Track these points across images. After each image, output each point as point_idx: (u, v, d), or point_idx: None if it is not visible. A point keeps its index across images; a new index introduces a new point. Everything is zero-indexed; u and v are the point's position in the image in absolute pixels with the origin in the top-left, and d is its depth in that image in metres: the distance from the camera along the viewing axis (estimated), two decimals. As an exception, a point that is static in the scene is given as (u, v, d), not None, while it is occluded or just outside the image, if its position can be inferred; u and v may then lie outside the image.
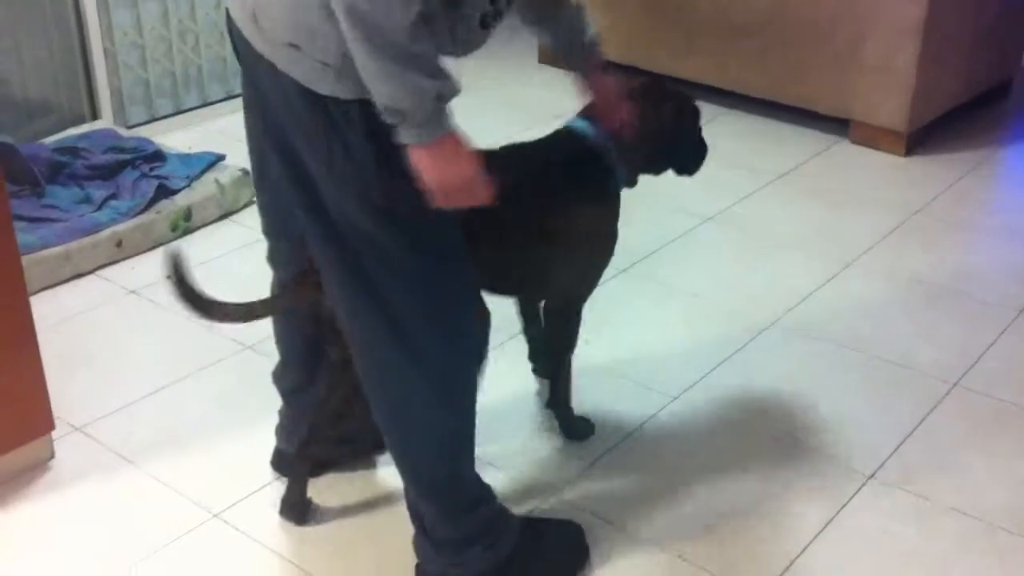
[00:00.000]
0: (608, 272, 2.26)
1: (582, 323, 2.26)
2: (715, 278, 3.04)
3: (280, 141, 1.65)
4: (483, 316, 1.85)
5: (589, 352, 2.62)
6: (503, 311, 2.13)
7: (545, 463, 2.31)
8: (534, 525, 2.01)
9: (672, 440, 2.38)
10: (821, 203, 3.45)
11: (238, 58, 1.70)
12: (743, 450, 2.36)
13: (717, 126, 3.96)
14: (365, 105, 1.50)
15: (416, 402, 1.77)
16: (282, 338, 2.11)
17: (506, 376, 2.42)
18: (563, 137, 2.10)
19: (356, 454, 2.24)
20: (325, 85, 1.50)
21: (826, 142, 3.90)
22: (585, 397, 2.40)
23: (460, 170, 1.53)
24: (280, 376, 2.16)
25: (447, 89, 1.46)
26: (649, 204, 2.92)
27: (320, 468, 2.20)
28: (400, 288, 1.66)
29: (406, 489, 1.90)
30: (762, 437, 2.40)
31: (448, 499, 1.86)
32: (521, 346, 2.48)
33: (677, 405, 2.49)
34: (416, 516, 1.91)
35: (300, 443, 2.09)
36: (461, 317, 1.75)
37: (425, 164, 1.51)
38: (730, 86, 4.10)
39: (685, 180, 2.28)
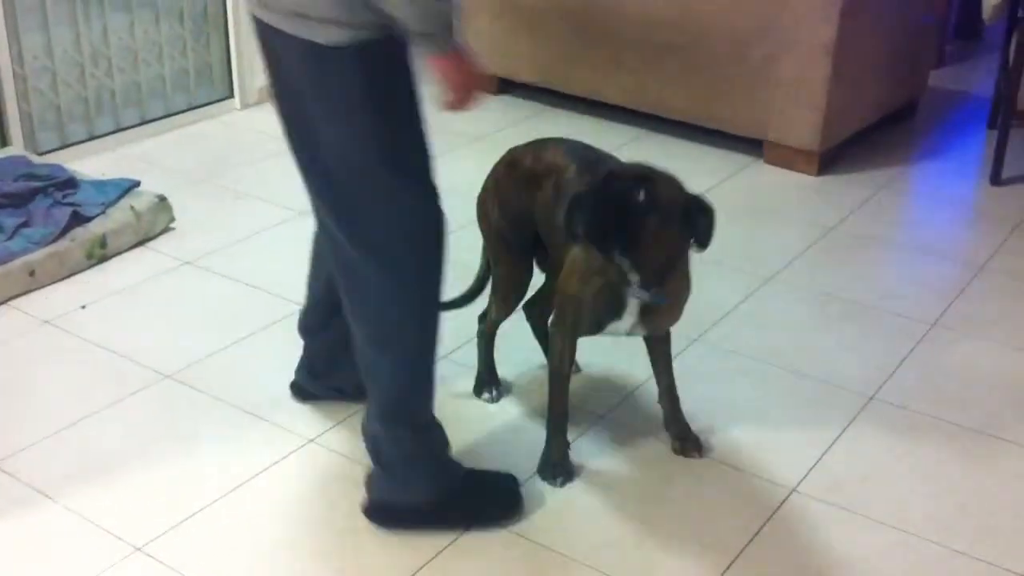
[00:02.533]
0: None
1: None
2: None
3: (292, 98, 1.95)
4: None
5: (509, 382, 2.63)
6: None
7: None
8: (475, 474, 2.23)
9: (596, 460, 2.40)
10: (738, 222, 3.50)
11: (263, 44, 1.97)
12: (668, 466, 2.38)
13: (636, 147, 4.02)
14: (360, 48, 1.82)
15: (394, 311, 2.03)
16: (311, 283, 2.39)
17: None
18: None
19: (342, 397, 2.49)
20: (329, 36, 1.81)
21: (742, 162, 3.97)
22: (512, 423, 2.39)
23: (472, 71, 1.89)
24: (305, 316, 2.45)
25: (454, 10, 1.80)
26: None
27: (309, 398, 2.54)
28: (384, 209, 1.95)
29: (369, 419, 2.13)
30: (687, 454, 2.42)
31: (409, 416, 2.10)
32: (455, 360, 2.48)
33: (601, 425, 2.51)
34: (374, 447, 2.13)
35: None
36: (428, 236, 2.02)
37: (448, 70, 1.85)
38: (650, 108, 4.16)
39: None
